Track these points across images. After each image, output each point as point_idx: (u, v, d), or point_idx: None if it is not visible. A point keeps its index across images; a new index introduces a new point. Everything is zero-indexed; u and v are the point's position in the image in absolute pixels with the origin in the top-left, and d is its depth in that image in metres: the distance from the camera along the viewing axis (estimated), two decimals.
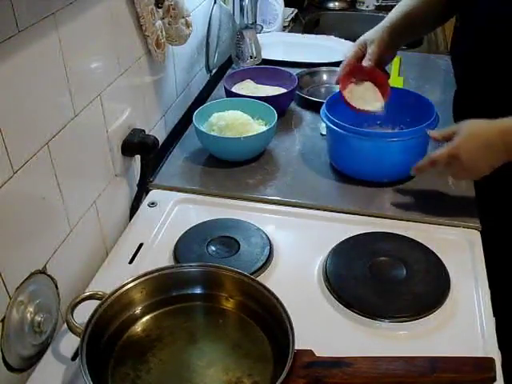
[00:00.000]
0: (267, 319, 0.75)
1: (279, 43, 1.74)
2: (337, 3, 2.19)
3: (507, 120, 0.88)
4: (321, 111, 1.10)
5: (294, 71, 1.43)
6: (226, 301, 0.80)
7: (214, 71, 1.52)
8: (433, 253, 0.91)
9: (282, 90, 1.35)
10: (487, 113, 0.90)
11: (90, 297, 0.76)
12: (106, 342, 0.73)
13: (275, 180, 1.11)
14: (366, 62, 1.05)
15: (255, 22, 1.68)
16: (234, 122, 1.16)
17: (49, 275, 0.79)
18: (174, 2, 1.05)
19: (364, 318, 0.81)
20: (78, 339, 0.69)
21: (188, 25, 1.11)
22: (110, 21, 0.90)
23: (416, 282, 0.86)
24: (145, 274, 0.78)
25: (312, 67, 1.53)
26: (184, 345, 0.75)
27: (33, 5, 0.69)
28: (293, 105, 1.38)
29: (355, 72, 1.07)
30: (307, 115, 1.36)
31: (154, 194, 1.08)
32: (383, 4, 2.15)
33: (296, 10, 2.02)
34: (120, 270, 0.89)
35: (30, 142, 0.72)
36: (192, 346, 0.75)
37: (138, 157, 1.04)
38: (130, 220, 1.03)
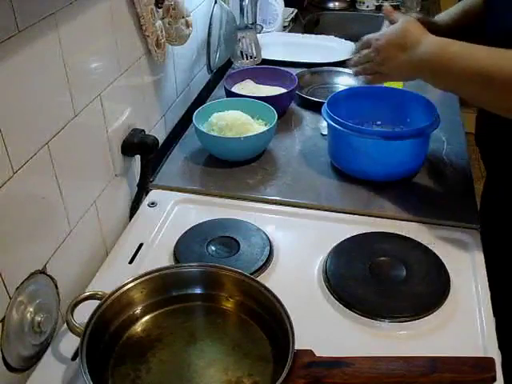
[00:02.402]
0: (267, 319, 0.75)
1: (279, 43, 1.74)
2: (337, 3, 2.19)
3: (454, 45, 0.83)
4: (322, 110, 1.10)
5: (294, 71, 1.43)
6: (226, 301, 0.80)
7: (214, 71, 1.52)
8: (433, 253, 0.91)
9: (282, 90, 1.35)
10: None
11: (90, 297, 0.76)
12: (106, 342, 0.73)
13: (275, 180, 1.11)
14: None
15: (255, 22, 1.69)
16: (234, 122, 1.16)
17: (49, 275, 0.79)
18: (174, 2, 1.05)
19: (364, 318, 0.81)
20: (78, 339, 0.69)
21: (188, 25, 1.11)
22: (110, 21, 0.90)
23: (416, 282, 0.86)
24: (145, 274, 0.78)
25: (312, 67, 1.53)
26: (184, 345, 0.75)
27: (33, 5, 0.69)
28: (293, 105, 1.38)
29: None
30: (307, 115, 1.36)
31: (154, 194, 1.08)
32: (383, 4, 2.15)
33: (296, 10, 2.02)
34: (120, 270, 0.89)
35: (30, 142, 0.72)
36: (192, 346, 0.75)
37: (137, 157, 1.04)
38: (130, 220, 1.03)
